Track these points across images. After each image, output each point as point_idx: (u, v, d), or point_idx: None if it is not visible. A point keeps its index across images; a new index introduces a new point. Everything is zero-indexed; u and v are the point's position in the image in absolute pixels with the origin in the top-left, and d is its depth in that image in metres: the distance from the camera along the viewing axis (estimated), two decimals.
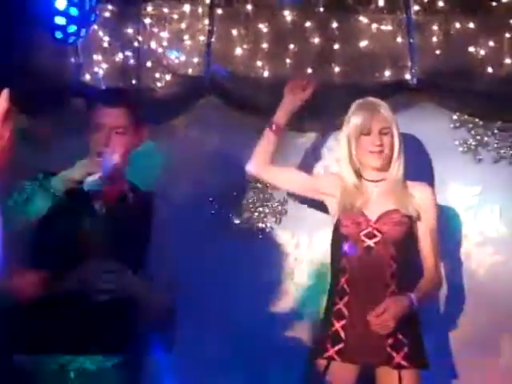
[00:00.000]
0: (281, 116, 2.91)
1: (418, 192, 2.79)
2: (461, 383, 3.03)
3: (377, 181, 2.80)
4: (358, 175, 2.81)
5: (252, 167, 2.94)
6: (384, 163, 2.77)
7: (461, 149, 3.15)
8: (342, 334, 2.67)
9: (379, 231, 2.72)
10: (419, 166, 3.09)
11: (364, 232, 2.72)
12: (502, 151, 3.14)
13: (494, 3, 3.03)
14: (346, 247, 2.72)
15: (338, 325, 2.68)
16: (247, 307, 3.06)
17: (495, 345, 3.06)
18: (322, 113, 3.01)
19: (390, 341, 2.62)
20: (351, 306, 2.68)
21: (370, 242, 2.71)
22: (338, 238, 2.78)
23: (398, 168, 2.77)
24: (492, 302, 3.06)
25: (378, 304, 2.59)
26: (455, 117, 3.16)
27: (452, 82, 3.04)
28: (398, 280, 2.68)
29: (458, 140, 3.16)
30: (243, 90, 3.08)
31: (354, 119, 2.77)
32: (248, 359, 3.03)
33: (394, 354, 2.63)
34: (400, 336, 2.63)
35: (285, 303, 3.13)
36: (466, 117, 3.15)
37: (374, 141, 2.73)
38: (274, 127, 2.90)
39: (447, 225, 3.10)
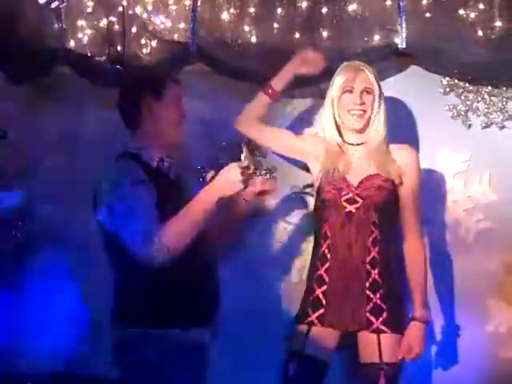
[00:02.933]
0: (280, 81, 2.87)
1: (401, 155, 2.78)
2: (446, 346, 3.04)
3: (357, 144, 2.79)
4: (341, 137, 2.80)
5: (240, 122, 2.91)
6: (365, 125, 2.76)
7: (450, 114, 3.12)
8: (323, 300, 2.69)
9: (360, 196, 2.71)
10: (407, 131, 3.10)
11: (345, 197, 2.72)
12: (492, 116, 3.10)
13: None
14: (327, 212, 2.73)
15: (318, 290, 2.71)
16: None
17: (482, 311, 3.06)
18: (310, 78, 2.96)
19: (369, 306, 2.65)
20: (332, 272, 2.70)
21: (351, 208, 2.70)
22: (319, 204, 2.79)
23: (377, 129, 2.76)
24: (480, 268, 3.06)
25: (358, 270, 2.66)
26: (445, 81, 3.12)
27: (442, 45, 2.98)
28: (380, 246, 2.68)
29: (448, 105, 3.12)
30: (230, 56, 3.04)
31: (337, 78, 2.77)
32: None
33: (373, 319, 2.65)
34: (379, 301, 2.65)
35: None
36: (455, 81, 3.11)
37: (356, 99, 2.73)
38: (270, 91, 2.86)
39: (436, 190, 3.12)
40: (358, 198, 2.71)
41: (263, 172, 3.13)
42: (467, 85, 3.11)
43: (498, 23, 2.97)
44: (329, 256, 2.71)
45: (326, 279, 2.70)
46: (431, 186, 3.10)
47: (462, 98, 3.12)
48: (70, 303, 3.23)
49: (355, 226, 2.69)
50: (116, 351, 2.52)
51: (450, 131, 3.13)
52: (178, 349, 2.48)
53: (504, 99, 3.10)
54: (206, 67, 3.09)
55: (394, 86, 3.11)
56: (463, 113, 3.12)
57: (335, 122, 2.78)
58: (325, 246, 2.72)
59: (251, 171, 2.42)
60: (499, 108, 3.11)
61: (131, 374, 2.50)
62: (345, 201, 2.72)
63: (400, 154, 2.78)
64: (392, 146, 2.80)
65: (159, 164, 2.53)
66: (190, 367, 2.50)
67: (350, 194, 2.72)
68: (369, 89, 2.74)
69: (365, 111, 2.74)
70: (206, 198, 2.40)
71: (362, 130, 2.77)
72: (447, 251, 3.09)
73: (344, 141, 2.80)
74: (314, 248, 2.81)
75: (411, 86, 3.12)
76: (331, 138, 2.80)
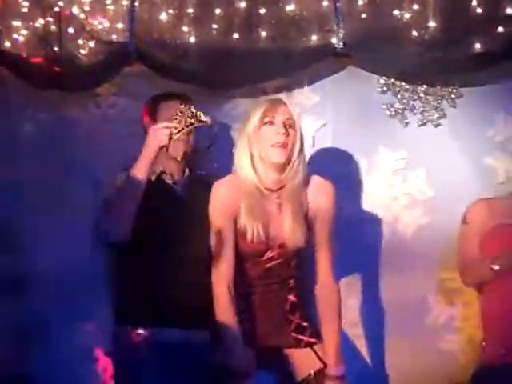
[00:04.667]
0: (140, 171, 2.61)
1: (318, 194, 2.67)
2: (390, 343, 3.09)
3: (277, 190, 2.62)
4: (260, 180, 2.61)
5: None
6: (287, 160, 2.58)
7: (388, 112, 3.18)
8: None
9: (282, 253, 2.64)
10: (346, 131, 3.15)
11: (266, 257, 2.64)
12: (428, 114, 3.18)
13: None
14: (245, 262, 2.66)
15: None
16: None
17: (423, 305, 3.13)
18: (249, 78, 2.98)
19: (292, 327, 2.67)
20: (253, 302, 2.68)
21: (272, 263, 2.65)
22: (240, 253, 2.66)
23: (296, 169, 2.59)
24: (419, 263, 3.12)
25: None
26: (382, 81, 3.18)
27: (378, 45, 3.04)
28: (296, 276, 2.70)
29: (386, 104, 3.18)
30: (169, 57, 3.02)
31: (254, 113, 2.60)
32: None
33: (301, 337, 2.67)
34: (301, 321, 2.68)
35: None
36: (392, 81, 3.17)
37: (279, 129, 2.56)
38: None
39: (377, 190, 3.19)
40: (278, 256, 2.64)
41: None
42: (403, 84, 3.17)
43: (432, 23, 3.03)
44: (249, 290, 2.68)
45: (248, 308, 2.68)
46: (370, 183, 3.18)
47: (399, 96, 3.18)
48: None
49: (274, 274, 2.66)
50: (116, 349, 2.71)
51: (388, 129, 3.19)
52: (177, 349, 2.59)
53: (439, 98, 3.17)
54: (144, 68, 3.07)
55: (331, 86, 3.17)
56: (400, 111, 3.18)
57: (252, 161, 2.59)
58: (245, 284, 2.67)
59: (179, 129, 2.57)
60: (434, 106, 3.18)
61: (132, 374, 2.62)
62: (266, 259, 2.64)
63: (317, 191, 2.67)
64: (312, 182, 2.67)
65: (159, 176, 2.75)
66: (189, 368, 2.60)
67: (271, 254, 2.64)
68: (291, 121, 2.59)
69: (287, 144, 2.56)
70: (137, 172, 2.58)
71: (281, 168, 2.59)
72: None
73: (263, 183, 2.61)
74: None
75: (349, 85, 3.16)
76: (248, 180, 2.60)
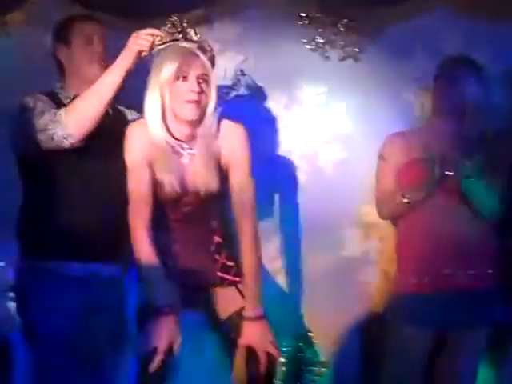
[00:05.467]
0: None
1: (229, 139, 2.58)
2: (308, 275, 3.16)
3: (188, 140, 2.55)
4: (169, 132, 2.52)
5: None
6: (200, 116, 2.50)
7: (308, 46, 3.17)
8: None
9: (197, 199, 2.57)
10: (269, 68, 3.13)
11: (183, 201, 2.58)
12: (348, 49, 3.17)
13: None
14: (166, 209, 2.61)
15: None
16: None
17: (340, 238, 3.20)
18: (166, 8, 2.86)
19: (218, 266, 2.67)
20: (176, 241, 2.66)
21: (189, 208, 2.60)
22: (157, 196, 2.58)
23: (211, 123, 2.53)
24: (339, 197, 3.17)
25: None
26: (303, 14, 3.15)
27: None
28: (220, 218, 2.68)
29: (306, 38, 3.16)
30: None
31: (167, 63, 2.46)
32: None
33: (226, 276, 2.67)
34: (226, 261, 2.67)
35: None
36: (313, 14, 3.14)
37: (192, 87, 2.45)
38: None
39: (297, 124, 3.20)
40: (194, 202, 2.58)
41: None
42: (324, 17, 3.15)
43: None
44: (171, 229, 2.65)
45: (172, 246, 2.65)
46: (290, 118, 3.19)
47: (320, 30, 3.16)
48: None
49: (193, 217, 2.62)
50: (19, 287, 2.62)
51: (309, 64, 3.18)
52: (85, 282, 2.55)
53: (359, 32, 3.16)
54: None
55: (251, 19, 3.12)
56: (321, 45, 3.17)
57: (163, 112, 2.49)
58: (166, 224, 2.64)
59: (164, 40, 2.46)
60: (354, 41, 3.17)
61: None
62: (182, 204, 2.59)
63: (228, 137, 2.58)
64: (222, 128, 2.57)
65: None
66: (102, 304, 2.58)
67: (187, 200, 2.58)
68: (205, 76, 2.48)
69: (200, 101, 2.47)
70: (109, 76, 2.49)
71: (195, 123, 2.52)
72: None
73: (173, 135, 2.52)
74: None
75: (269, 18, 3.12)
76: (157, 133, 2.50)
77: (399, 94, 3.19)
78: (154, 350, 2.48)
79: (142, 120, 2.59)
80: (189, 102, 2.46)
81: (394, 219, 2.94)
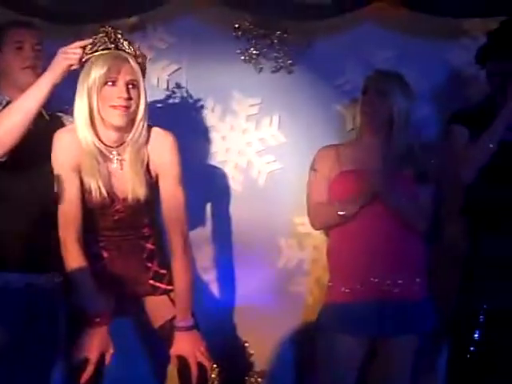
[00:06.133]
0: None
1: (158, 146, 2.54)
2: (241, 287, 3.16)
3: (117, 146, 2.50)
4: (97, 136, 2.46)
5: None
6: (128, 122, 2.46)
7: (242, 57, 3.18)
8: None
9: (127, 206, 2.55)
10: (202, 75, 3.13)
11: (113, 209, 2.55)
12: (281, 61, 3.19)
13: None
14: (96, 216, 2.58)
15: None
16: None
17: (274, 247, 3.20)
18: (101, 15, 2.85)
19: (150, 274, 2.65)
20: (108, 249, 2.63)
21: (120, 215, 2.57)
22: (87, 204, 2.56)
23: (141, 130, 2.48)
24: (271, 208, 3.19)
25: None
26: (237, 25, 3.16)
27: None
28: (151, 227, 2.66)
29: (240, 49, 3.17)
30: None
31: (96, 67, 2.41)
32: None
33: (158, 284, 2.65)
34: (159, 269, 2.66)
35: None
36: (247, 25, 3.16)
37: (121, 93, 2.40)
38: None
39: (231, 135, 3.20)
40: (124, 209, 2.56)
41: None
42: (258, 29, 3.16)
43: None
44: (102, 239, 2.62)
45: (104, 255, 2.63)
46: (224, 129, 3.19)
47: (253, 42, 3.18)
48: None
49: (124, 224, 2.60)
50: None
51: (242, 75, 3.19)
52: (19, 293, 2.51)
53: (292, 44, 3.19)
54: None
55: (186, 28, 3.12)
56: (255, 57, 3.19)
57: (91, 117, 2.43)
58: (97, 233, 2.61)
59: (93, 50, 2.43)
60: (287, 53, 3.19)
61: None
62: (113, 211, 2.56)
63: (156, 144, 2.54)
64: (152, 135, 2.53)
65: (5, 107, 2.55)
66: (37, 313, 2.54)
67: (117, 207, 2.55)
68: (135, 82, 2.44)
69: (129, 107, 2.43)
70: (35, 89, 2.45)
71: (122, 129, 2.47)
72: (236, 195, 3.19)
73: (101, 140, 2.47)
74: None
75: (203, 28, 3.12)
76: (85, 138, 2.44)
77: (331, 106, 3.23)
78: (86, 361, 2.44)
79: (69, 126, 2.55)
80: (116, 107, 2.42)
81: (327, 229, 2.97)
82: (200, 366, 2.55)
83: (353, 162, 2.88)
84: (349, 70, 3.24)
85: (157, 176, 2.57)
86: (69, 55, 2.44)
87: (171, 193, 2.57)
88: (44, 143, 2.51)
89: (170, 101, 3.11)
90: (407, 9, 3.17)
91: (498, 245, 2.84)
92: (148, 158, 2.54)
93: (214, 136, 3.18)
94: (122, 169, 2.52)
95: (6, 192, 2.54)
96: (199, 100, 3.15)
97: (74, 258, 2.49)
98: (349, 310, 2.80)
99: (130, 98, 2.43)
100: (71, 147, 2.49)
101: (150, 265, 2.65)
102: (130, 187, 2.50)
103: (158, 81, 3.11)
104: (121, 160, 2.51)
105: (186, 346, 2.55)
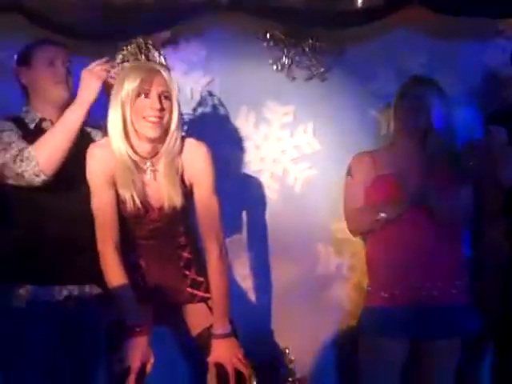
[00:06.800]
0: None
1: (192, 157, 2.56)
2: (281, 294, 3.16)
3: (151, 157, 2.53)
4: (131, 148, 2.49)
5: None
6: (162, 133, 2.48)
7: (275, 67, 3.21)
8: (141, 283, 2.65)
9: (162, 215, 2.57)
10: (235, 85, 3.16)
11: (149, 219, 2.58)
12: (314, 69, 3.22)
13: None
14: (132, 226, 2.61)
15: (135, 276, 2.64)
16: None
17: (312, 254, 3.21)
18: (132, 32, 2.91)
19: (188, 282, 2.67)
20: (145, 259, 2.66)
21: (156, 225, 2.60)
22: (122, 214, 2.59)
23: (175, 140, 2.51)
24: (309, 214, 3.20)
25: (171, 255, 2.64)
26: (268, 35, 3.18)
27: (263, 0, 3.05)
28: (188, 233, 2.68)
29: (272, 58, 3.20)
30: (46, 7, 2.87)
31: (129, 80, 2.45)
32: None
33: (196, 292, 2.67)
34: (196, 276, 2.67)
35: None
36: (278, 34, 3.18)
37: (154, 104, 2.43)
38: None
39: (265, 143, 3.22)
40: (159, 218, 2.58)
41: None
42: (289, 38, 3.19)
43: None
44: (138, 248, 2.65)
45: (141, 264, 2.66)
46: (259, 138, 3.22)
47: (285, 51, 3.20)
48: None
49: (160, 233, 2.62)
50: None
51: (276, 84, 3.21)
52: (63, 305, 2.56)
53: (324, 52, 3.21)
54: (21, 18, 2.93)
55: (218, 42, 3.15)
56: (287, 66, 3.21)
57: (125, 129, 2.47)
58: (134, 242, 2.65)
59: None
60: (320, 61, 3.21)
61: None
62: (148, 221, 2.59)
63: (190, 154, 2.57)
64: (185, 146, 2.56)
65: (38, 124, 2.66)
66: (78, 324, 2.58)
67: (153, 216, 2.58)
68: (167, 93, 2.46)
69: (162, 118, 2.46)
70: (79, 107, 2.52)
71: (156, 140, 2.50)
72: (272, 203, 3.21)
73: (135, 152, 2.50)
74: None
75: (236, 40, 3.15)
76: (119, 149, 2.48)
77: (365, 112, 3.24)
78: (128, 370, 2.46)
79: (102, 140, 2.61)
80: (150, 118, 2.45)
81: (365, 234, 2.96)
82: (238, 373, 2.56)
83: (389, 166, 2.88)
84: (381, 75, 3.24)
85: (191, 185, 2.59)
86: (97, 72, 2.52)
87: (206, 201, 2.59)
88: (77, 160, 2.57)
89: (204, 111, 3.15)
90: (438, 13, 3.16)
91: None
92: (182, 168, 2.57)
93: (249, 145, 3.21)
94: (155, 179, 2.55)
95: (47, 208, 2.60)
96: (233, 110, 3.18)
97: (113, 269, 2.54)
98: (389, 313, 2.79)
99: (162, 109, 2.45)
100: (105, 160, 2.53)
101: (187, 273, 2.67)
102: (166, 196, 2.54)
103: (191, 92, 3.14)
104: (154, 171, 2.55)
105: (224, 353, 2.56)
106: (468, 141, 3.11)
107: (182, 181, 2.58)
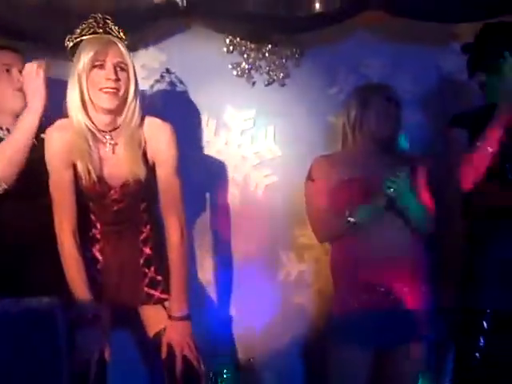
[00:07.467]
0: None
1: (156, 135, 2.57)
2: (243, 301, 3.14)
3: (110, 131, 2.52)
4: (90, 120, 2.50)
5: None
6: (119, 105, 2.48)
7: (235, 72, 3.19)
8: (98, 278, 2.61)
9: (125, 195, 2.55)
10: (194, 90, 3.14)
11: (110, 199, 2.55)
12: (273, 73, 3.21)
13: None
14: (92, 207, 2.59)
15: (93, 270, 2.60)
16: None
17: (276, 259, 3.20)
18: None
19: (146, 281, 2.63)
20: (105, 252, 2.62)
21: (118, 206, 2.57)
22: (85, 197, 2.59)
23: (133, 112, 2.51)
24: (271, 221, 3.19)
25: (131, 249, 2.60)
26: (228, 40, 3.17)
27: (222, 4, 2.98)
28: (150, 225, 2.64)
29: (232, 63, 3.18)
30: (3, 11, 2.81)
31: (84, 51, 2.45)
32: None
33: (153, 292, 2.63)
34: (155, 275, 2.64)
35: None
36: (238, 40, 3.17)
37: (109, 75, 2.44)
38: None
39: (226, 149, 3.20)
40: (122, 198, 2.56)
41: None
42: (249, 43, 3.18)
43: None
44: (100, 239, 2.61)
45: (100, 259, 2.63)
46: (221, 143, 3.19)
47: (245, 56, 3.19)
48: None
49: (124, 217, 2.59)
50: None
51: (236, 89, 3.20)
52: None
53: (283, 57, 3.21)
54: None
55: (177, 45, 3.13)
56: (247, 71, 3.20)
57: (83, 102, 2.46)
58: (95, 231, 2.61)
59: None
60: (279, 66, 3.21)
61: None
62: (111, 201, 2.56)
63: (154, 131, 2.57)
64: (147, 120, 2.57)
65: None
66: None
67: (114, 196, 2.55)
68: (123, 64, 2.47)
69: (118, 89, 2.46)
70: (29, 117, 2.53)
71: (114, 112, 2.49)
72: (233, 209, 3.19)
73: (93, 124, 2.50)
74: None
75: (195, 45, 3.12)
76: (78, 122, 2.48)
77: (324, 116, 3.23)
78: (87, 363, 2.44)
79: (57, 122, 2.56)
80: (106, 89, 2.45)
81: (331, 240, 2.94)
82: (186, 359, 2.55)
83: (354, 170, 2.87)
84: (340, 80, 3.24)
85: (153, 164, 2.57)
86: (36, 70, 2.52)
87: (169, 180, 2.58)
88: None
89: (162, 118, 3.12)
90: (395, 16, 3.17)
91: (499, 248, 2.84)
92: (145, 144, 2.55)
93: (210, 151, 3.19)
94: (114, 152, 2.53)
95: (8, 219, 2.57)
96: (193, 115, 3.15)
97: (70, 255, 2.52)
98: (355, 320, 2.78)
99: (118, 80, 2.45)
100: (61, 140, 2.51)
101: (146, 271, 2.63)
102: (129, 169, 2.51)
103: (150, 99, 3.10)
104: (114, 144, 2.53)
105: (176, 335, 2.55)
106: (423, 144, 3.16)
107: (145, 158, 2.55)
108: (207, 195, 3.17)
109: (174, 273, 2.58)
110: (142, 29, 3.00)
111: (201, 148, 3.19)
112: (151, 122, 2.58)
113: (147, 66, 3.12)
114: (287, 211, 3.18)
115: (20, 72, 2.65)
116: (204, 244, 3.13)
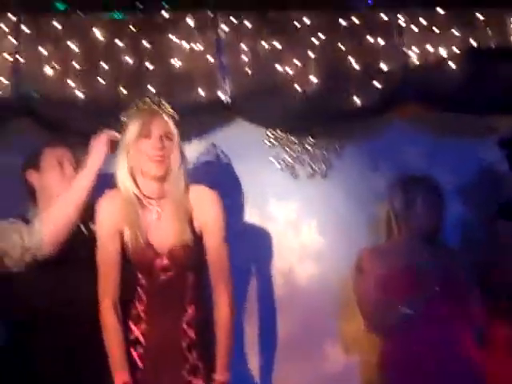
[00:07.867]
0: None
1: (203, 202, 2.59)
2: None
3: (157, 198, 2.58)
4: (138, 188, 2.58)
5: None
6: (166, 172, 2.57)
7: (278, 165, 3.26)
8: (139, 362, 2.57)
9: (172, 263, 2.55)
10: (235, 184, 3.19)
11: (157, 266, 2.54)
12: (315, 166, 3.27)
13: (298, 24, 3.17)
14: (140, 279, 2.58)
15: (134, 353, 2.57)
16: None
17: (320, 349, 3.16)
18: None
19: (187, 367, 2.57)
20: (148, 334, 2.59)
21: (165, 275, 2.56)
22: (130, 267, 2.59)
23: (178, 180, 2.57)
24: (315, 312, 3.16)
25: (174, 331, 2.56)
26: (269, 134, 3.25)
27: (263, 99, 3.11)
28: (196, 304, 2.60)
29: (274, 157, 3.25)
30: (55, 111, 2.98)
31: (132, 123, 2.57)
32: None
33: (193, 380, 2.56)
34: (197, 362, 2.57)
35: None
36: (279, 133, 3.25)
37: (155, 144, 2.54)
38: None
39: (269, 243, 3.22)
40: (170, 265, 2.55)
41: None
42: (291, 137, 3.26)
43: (313, 78, 3.13)
44: (144, 317, 2.58)
45: (143, 341, 2.59)
46: (263, 235, 3.21)
47: (287, 149, 3.26)
48: None
49: (170, 290, 2.58)
50: None
51: (279, 182, 3.25)
52: None
53: (324, 150, 3.28)
54: (31, 123, 3.01)
55: (221, 140, 3.21)
56: (289, 164, 3.27)
57: (131, 171, 2.57)
58: (139, 307, 2.59)
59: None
60: (321, 158, 3.28)
61: None
62: (157, 269, 2.56)
63: (198, 198, 2.60)
64: (193, 189, 2.61)
65: None
66: None
67: (162, 263, 2.55)
68: (169, 134, 2.57)
69: (165, 156, 2.55)
70: (85, 177, 2.57)
71: (161, 179, 2.57)
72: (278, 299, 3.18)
73: (142, 193, 2.58)
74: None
75: (237, 139, 3.20)
76: (126, 189, 2.56)
77: (366, 206, 3.25)
78: None
79: (109, 192, 2.62)
80: (153, 158, 2.53)
81: (386, 331, 2.88)
82: None
83: (401, 259, 2.87)
84: (381, 170, 3.28)
85: (201, 233, 2.59)
86: (104, 138, 2.59)
87: (217, 247, 2.59)
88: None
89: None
90: (433, 110, 3.25)
91: None
92: (191, 212, 2.58)
93: (254, 242, 3.20)
94: (160, 219, 2.57)
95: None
96: (236, 207, 3.18)
97: (110, 325, 2.52)
98: None
99: (163, 148, 2.54)
100: (112, 211, 2.57)
101: (188, 355, 2.56)
102: (175, 234, 2.53)
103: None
104: (160, 211, 2.57)
105: None
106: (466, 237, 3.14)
107: (192, 227, 2.57)
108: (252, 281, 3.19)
109: (220, 336, 2.56)
110: (186, 124, 3.11)
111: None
112: (198, 189, 2.63)
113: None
114: (331, 303, 3.16)
115: (71, 165, 2.75)
116: (249, 335, 3.11)
